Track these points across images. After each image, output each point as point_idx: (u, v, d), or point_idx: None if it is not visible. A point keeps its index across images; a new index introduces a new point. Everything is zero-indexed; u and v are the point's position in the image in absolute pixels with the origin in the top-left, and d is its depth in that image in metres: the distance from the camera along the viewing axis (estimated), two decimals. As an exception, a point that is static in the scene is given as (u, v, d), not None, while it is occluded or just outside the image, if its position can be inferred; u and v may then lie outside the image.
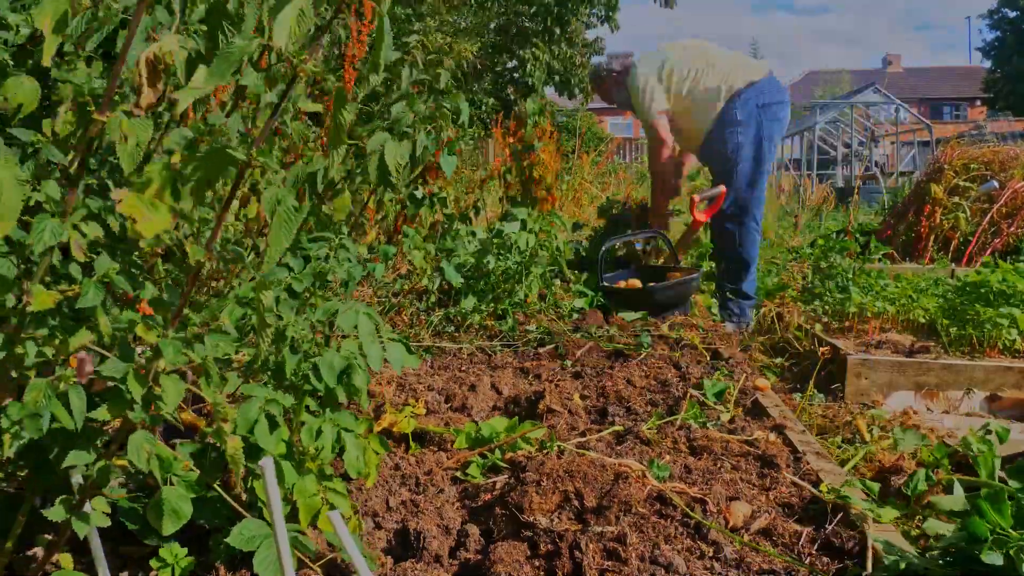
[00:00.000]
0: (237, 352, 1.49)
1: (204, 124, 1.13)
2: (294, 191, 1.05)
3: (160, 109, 1.18)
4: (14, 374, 1.08)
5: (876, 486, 1.68)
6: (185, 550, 1.34)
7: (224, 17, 0.99)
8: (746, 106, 3.93)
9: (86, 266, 1.27)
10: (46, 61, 0.94)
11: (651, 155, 4.24)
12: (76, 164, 1.03)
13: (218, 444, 1.28)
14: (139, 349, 1.15)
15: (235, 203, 1.10)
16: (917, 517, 1.69)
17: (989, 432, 1.81)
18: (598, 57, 4.33)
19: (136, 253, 1.17)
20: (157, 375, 1.08)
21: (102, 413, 1.09)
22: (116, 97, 0.99)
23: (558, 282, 3.73)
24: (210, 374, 1.12)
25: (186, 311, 1.11)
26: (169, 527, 1.26)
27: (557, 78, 15.33)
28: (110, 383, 1.10)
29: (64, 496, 1.20)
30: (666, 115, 4.09)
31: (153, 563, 1.32)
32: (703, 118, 4.01)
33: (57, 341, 1.04)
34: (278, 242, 1.05)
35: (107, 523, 1.20)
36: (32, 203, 1.01)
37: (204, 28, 1.03)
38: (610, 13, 14.35)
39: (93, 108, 0.98)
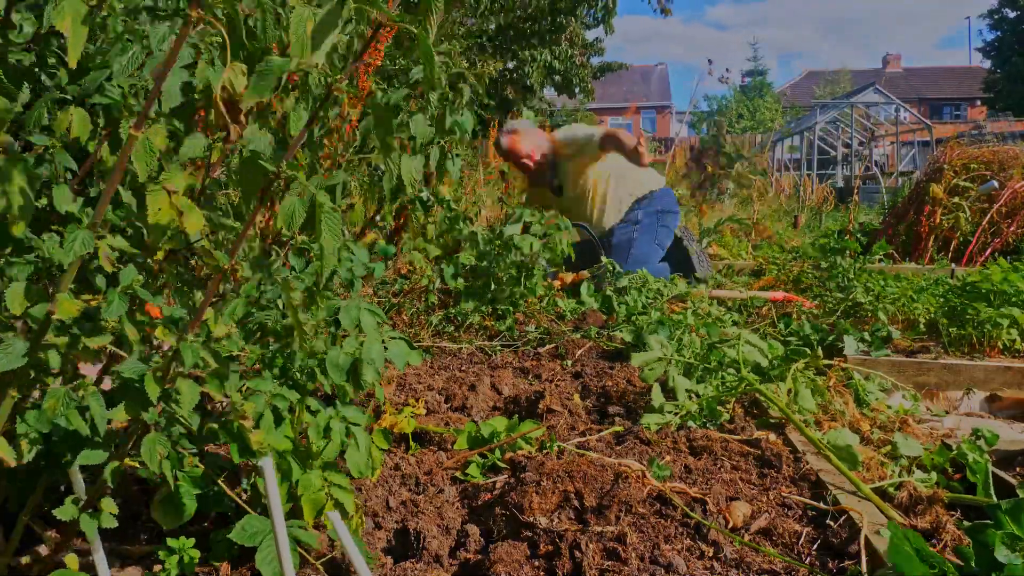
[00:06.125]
0: (241, 350, 1.50)
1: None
2: (327, 195, 1.07)
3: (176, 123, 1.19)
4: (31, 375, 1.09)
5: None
6: (192, 540, 1.34)
7: (249, 36, 1.01)
8: (647, 209, 4.53)
9: (89, 273, 1.28)
10: (72, 64, 0.95)
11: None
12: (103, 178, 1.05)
13: (224, 440, 1.29)
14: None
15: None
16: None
17: (979, 438, 1.83)
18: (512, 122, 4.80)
19: (148, 260, 1.18)
20: (174, 377, 1.10)
21: (118, 414, 1.10)
22: (152, 114, 1.02)
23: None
24: (226, 375, 1.13)
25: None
26: (172, 522, 1.26)
27: (558, 78, 15.30)
28: (117, 382, 1.11)
29: (74, 496, 1.20)
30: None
31: (161, 554, 1.32)
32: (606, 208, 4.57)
33: (81, 347, 1.05)
34: (328, 242, 1.09)
35: (114, 524, 1.20)
36: (43, 205, 1.02)
37: (218, 40, 1.04)
38: (606, 17, 14.42)
39: (132, 124, 0.99)
